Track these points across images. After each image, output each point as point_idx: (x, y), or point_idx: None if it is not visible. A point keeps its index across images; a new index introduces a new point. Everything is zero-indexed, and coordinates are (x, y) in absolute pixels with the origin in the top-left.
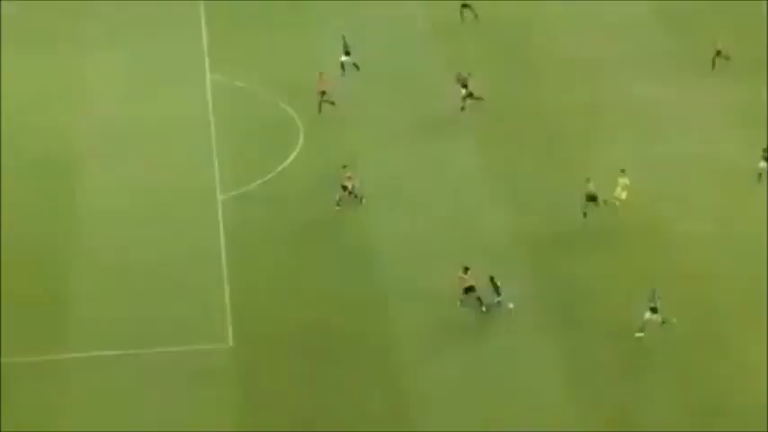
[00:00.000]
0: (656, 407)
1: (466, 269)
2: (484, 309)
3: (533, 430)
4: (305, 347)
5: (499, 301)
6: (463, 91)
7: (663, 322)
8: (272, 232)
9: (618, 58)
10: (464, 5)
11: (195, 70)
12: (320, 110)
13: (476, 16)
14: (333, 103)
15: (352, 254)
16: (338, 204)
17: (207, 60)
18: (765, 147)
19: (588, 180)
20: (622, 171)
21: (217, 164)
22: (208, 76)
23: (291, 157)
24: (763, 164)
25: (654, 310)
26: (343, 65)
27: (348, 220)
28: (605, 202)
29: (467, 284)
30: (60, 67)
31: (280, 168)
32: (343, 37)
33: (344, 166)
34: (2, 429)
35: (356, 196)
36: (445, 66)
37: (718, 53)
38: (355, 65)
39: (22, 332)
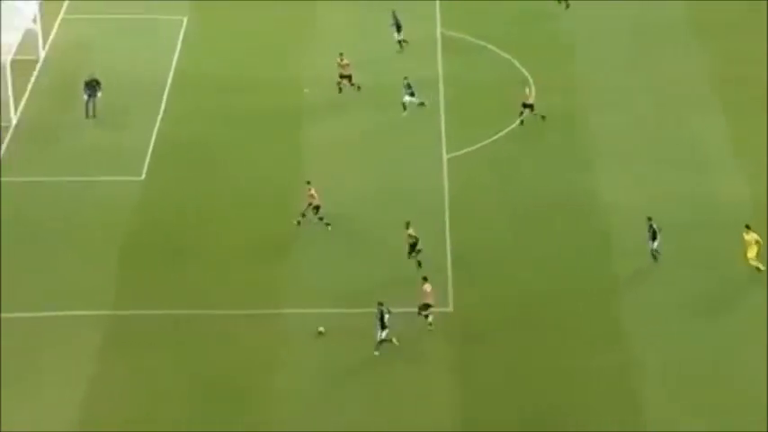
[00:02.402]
0: None
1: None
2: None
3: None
4: (524, 317)
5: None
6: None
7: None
8: (496, 195)
9: None
10: None
11: (426, 24)
12: (340, 90)
13: (567, 6)
14: (359, 88)
15: (581, 225)
16: (299, 222)
17: (438, 15)
18: None
19: (408, 225)
20: (747, 227)
21: (444, 121)
22: (438, 30)
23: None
24: None
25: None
26: (400, 42)
27: (578, 189)
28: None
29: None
30: (293, 21)
31: (508, 129)
32: (393, 12)
33: (308, 182)
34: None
35: (321, 218)
36: (687, 28)
37: None
38: (405, 41)
39: (247, 284)
